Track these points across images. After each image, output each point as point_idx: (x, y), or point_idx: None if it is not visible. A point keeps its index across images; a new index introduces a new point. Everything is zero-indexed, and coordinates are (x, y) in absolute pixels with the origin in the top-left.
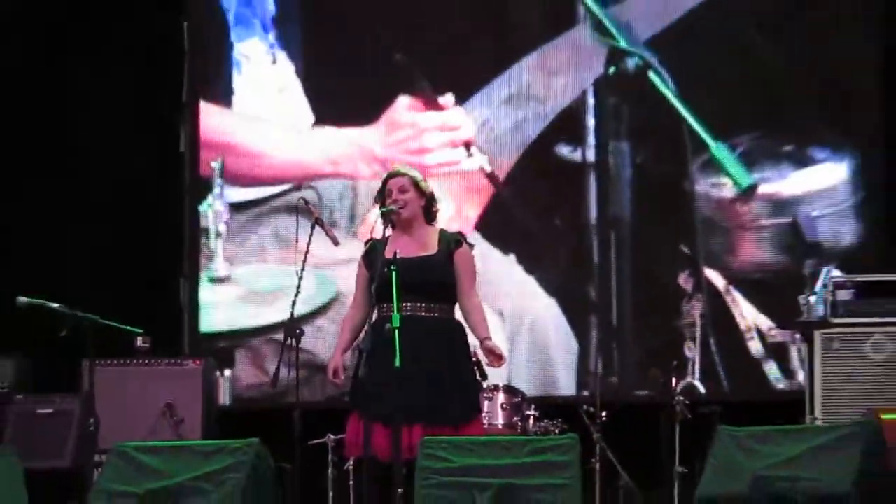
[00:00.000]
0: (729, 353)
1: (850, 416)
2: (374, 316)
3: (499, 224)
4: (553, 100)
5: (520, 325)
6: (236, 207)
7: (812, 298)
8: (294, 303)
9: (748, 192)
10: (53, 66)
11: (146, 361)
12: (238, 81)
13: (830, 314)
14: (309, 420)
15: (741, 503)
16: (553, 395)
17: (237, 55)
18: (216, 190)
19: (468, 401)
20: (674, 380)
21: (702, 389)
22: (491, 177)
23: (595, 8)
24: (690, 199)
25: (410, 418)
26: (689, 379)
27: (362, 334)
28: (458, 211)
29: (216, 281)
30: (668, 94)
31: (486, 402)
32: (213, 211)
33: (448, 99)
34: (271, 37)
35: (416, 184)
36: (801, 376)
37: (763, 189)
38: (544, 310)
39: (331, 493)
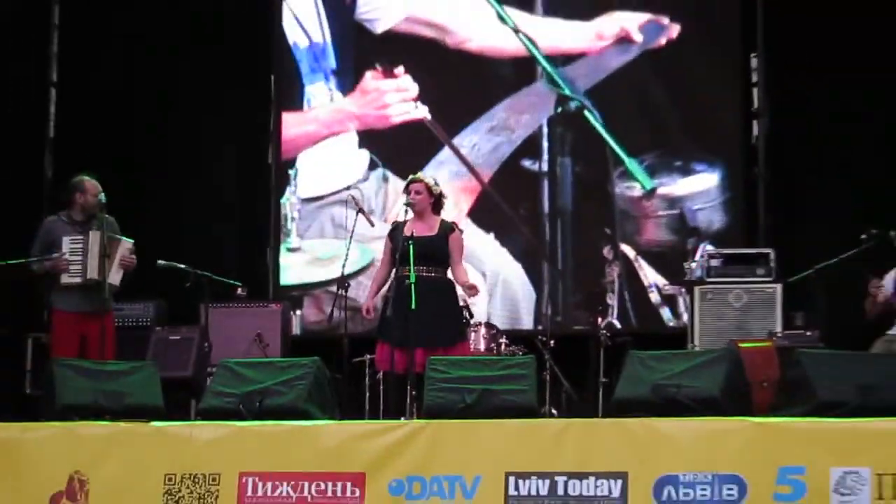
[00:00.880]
0: (637, 301)
1: (718, 345)
2: (393, 274)
3: (483, 212)
4: (520, 130)
5: (496, 281)
6: (305, 201)
7: (693, 265)
8: (344, 265)
9: (650, 193)
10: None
11: (244, 304)
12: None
13: (706, 275)
14: (353, 345)
15: (644, 403)
16: (518, 329)
17: (308, 94)
18: (292, 188)
19: (456, 331)
20: (599, 319)
21: (618, 325)
22: (431, 124)
23: (549, 68)
24: (612, 197)
25: (419, 343)
26: (609, 318)
27: (386, 286)
28: (455, 204)
29: (291, 250)
30: (598, 125)
31: (472, 334)
32: (289, 203)
33: (400, 70)
34: (332, 83)
35: (428, 187)
36: (685, 317)
37: (661, 190)
38: (512, 271)
39: (367, 395)
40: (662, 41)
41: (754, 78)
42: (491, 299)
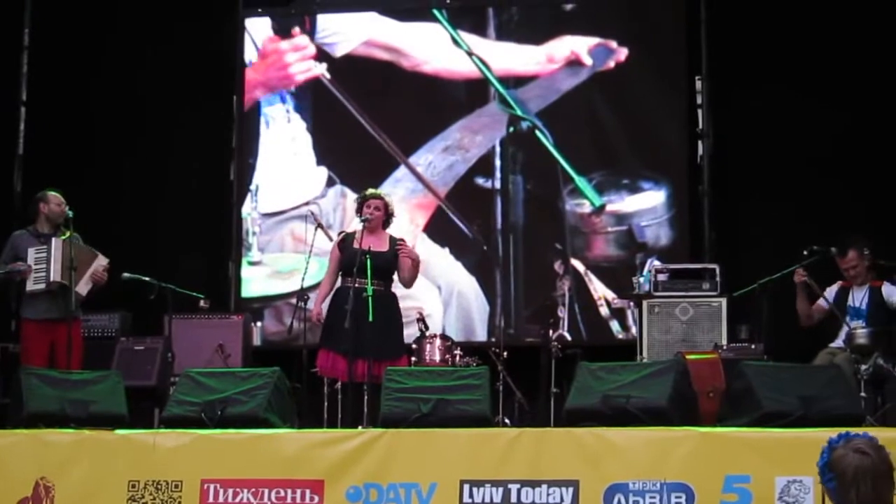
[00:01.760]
0: (587, 314)
1: (665, 357)
2: (339, 284)
3: (438, 228)
4: (474, 149)
5: (451, 294)
6: (266, 215)
7: (641, 279)
8: (303, 278)
9: (599, 210)
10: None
11: (206, 316)
12: (265, 134)
13: (653, 289)
14: (312, 356)
15: (594, 413)
16: (472, 340)
17: (266, 117)
18: (253, 203)
19: (402, 343)
20: (550, 331)
21: (569, 338)
22: (331, 82)
23: (502, 90)
24: (562, 214)
25: (365, 354)
26: (560, 331)
27: (330, 296)
28: (411, 220)
29: (252, 264)
30: (548, 145)
31: (427, 346)
32: (251, 217)
33: (297, 30)
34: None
35: (386, 204)
36: (634, 330)
37: (609, 207)
38: (467, 284)
39: (325, 404)
40: (611, 64)
41: (699, 100)
42: (446, 312)
